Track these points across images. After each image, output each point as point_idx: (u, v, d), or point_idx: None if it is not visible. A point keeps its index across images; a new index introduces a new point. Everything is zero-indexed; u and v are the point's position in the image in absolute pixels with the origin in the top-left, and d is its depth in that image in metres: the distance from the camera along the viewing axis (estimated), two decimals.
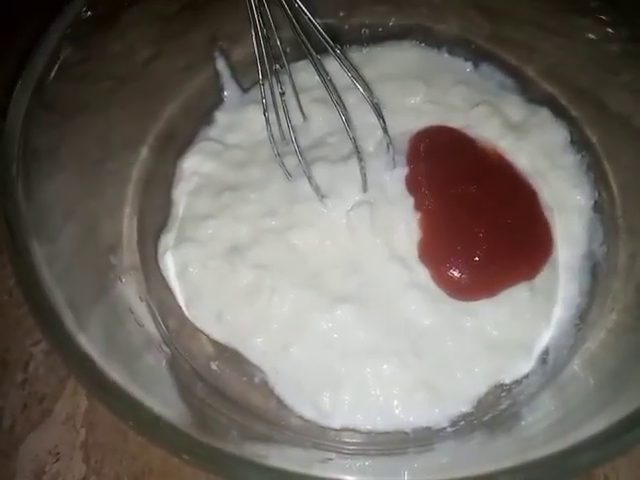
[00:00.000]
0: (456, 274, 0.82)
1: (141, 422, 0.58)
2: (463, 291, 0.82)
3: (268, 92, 0.87)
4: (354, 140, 0.84)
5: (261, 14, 0.84)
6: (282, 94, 0.85)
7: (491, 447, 0.73)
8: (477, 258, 0.82)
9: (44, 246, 0.66)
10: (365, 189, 0.87)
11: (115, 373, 0.60)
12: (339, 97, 0.85)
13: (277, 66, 0.85)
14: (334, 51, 0.83)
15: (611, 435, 0.56)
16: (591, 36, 0.89)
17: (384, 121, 0.86)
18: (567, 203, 0.89)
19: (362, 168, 0.86)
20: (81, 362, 0.59)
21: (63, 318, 0.61)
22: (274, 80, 0.86)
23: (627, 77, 0.88)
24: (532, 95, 0.98)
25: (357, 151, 0.84)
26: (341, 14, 1.02)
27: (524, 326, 0.81)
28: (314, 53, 0.85)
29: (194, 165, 0.93)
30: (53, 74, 0.73)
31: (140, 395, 0.59)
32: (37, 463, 0.81)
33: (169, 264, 0.85)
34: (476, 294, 0.82)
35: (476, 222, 0.84)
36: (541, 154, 0.91)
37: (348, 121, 0.84)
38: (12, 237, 0.64)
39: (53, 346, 0.62)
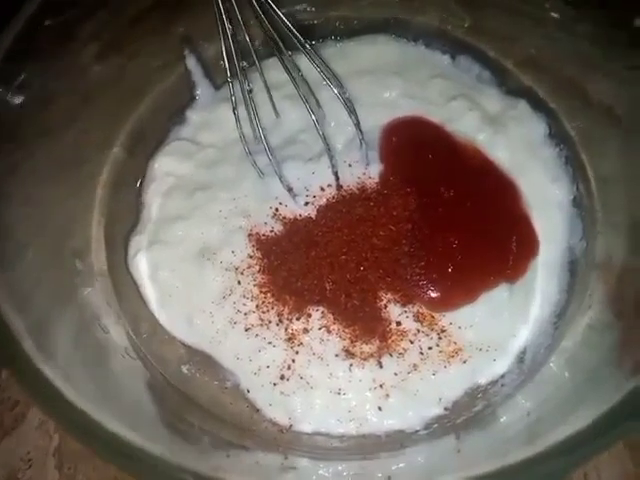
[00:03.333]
0: (431, 294, 0.79)
1: (104, 449, 0.56)
2: (440, 307, 0.79)
3: (238, 90, 0.85)
4: (324, 138, 0.82)
5: (229, 11, 0.82)
6: (250, 91, 0.84)
7: (466, 450, 0.72)
8: (452, 271, 0.79)
9: (5, 269, 0.64)
10: (338, 187, 0.85)
11: (79, 395, 0.57)
12: (310, 94, 0.83)
13: (245, 64, 0.84)
14: (304, 47, 0.81)
15: (588, 436, 0.55)
16: (557, 16, 0.86)
17: (356, 117, 0.85)
18: (546, 198, 0.87)
19: (334, 166, 0.84)
20: (41, 392, 0.56)
21: (21, 341, 0.59)
22: (244, 78, 0.85)
23: (610, 67, 0.85)
24: (510, 87, 0.95)
25: (328, 149, 0.83)
26: (314, 8, 0.99)
27: (501, 326, 0.79)
28: (284, 50, 0.83)
29: (166, 165, 0.91)
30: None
31: (103, 417, 0.56)
32: (9, 470, 0.81)
33: (140, 266, 0.84)
34: (454, 306, 0.79)
35: (452, 230, 0.81)
36: (519, 147, 0.89)
37: (319, 119, 0.83)
38: None
39: (10, 372, 0.59)
